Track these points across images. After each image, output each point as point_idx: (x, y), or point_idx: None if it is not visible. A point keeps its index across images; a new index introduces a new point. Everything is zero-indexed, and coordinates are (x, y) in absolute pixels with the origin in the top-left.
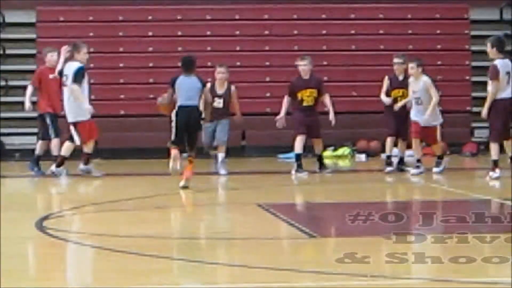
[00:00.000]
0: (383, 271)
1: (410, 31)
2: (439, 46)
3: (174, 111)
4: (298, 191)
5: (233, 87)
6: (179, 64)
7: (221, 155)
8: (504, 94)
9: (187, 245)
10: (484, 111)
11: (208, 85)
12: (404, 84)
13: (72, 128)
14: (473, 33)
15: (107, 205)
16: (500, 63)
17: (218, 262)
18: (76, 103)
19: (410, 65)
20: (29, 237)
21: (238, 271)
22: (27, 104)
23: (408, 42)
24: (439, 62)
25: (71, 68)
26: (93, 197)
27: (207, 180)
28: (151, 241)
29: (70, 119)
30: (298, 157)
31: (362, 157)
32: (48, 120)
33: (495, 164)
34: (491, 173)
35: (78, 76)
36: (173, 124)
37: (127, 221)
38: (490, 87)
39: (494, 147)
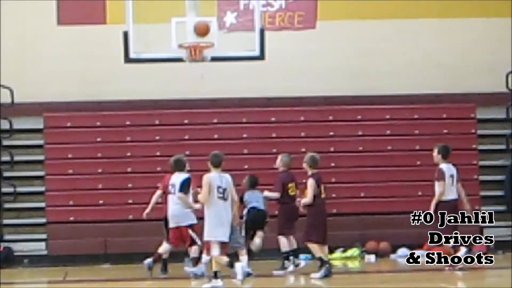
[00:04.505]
0: None
1: (417, 131)
2: None
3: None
4: None
5: None
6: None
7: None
8: (450, 196)
9: None
10: (431, 209)
11: None
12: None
13: (190, 231)
14: (480, 132)
15: None
16: (445, 167)
17: None
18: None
19: None
20: None
21: None
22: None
23: (416, 142)
24: None
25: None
26: None
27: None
28: None
29: (183, 223)
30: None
31: (372, 258)
32: None
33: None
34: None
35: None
36: None
37: None
38: (437, 188)
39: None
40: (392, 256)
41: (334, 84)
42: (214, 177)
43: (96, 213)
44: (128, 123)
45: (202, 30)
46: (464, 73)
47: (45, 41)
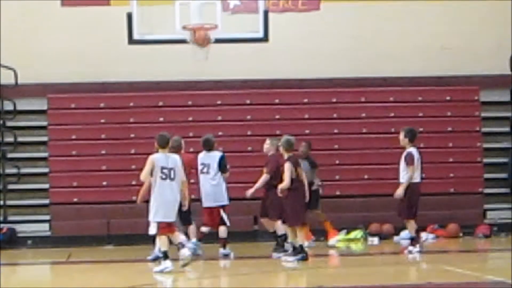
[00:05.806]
0: None
1: (421, 114)
2: (450, 128)
3: None
4: (311, 275)
5: None
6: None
7: None
8: (417, 179)
9: None
10: (401, 192)
11: None
12: None
13: (222, 212)
14: (484, 114)
15: None
16: (414, 151)
17: None
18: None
19: None
20: None
21: None
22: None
23: (419, 124)
24: (450, 144)
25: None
26: (103, 283)
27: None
28: None
29: (217, 203)
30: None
31: (375, 240)
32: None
33: (414, 239)
34: (410, 248)
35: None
36: None
37: None
38: (408, 171)
39: (410, 224)
40: (395, 238)
41: (338, 66)
42: (159, 158)
43: (99, 195)
44: (131, 104)
45: (200, 40)
46: (468, 55)
47: (49, 22)
